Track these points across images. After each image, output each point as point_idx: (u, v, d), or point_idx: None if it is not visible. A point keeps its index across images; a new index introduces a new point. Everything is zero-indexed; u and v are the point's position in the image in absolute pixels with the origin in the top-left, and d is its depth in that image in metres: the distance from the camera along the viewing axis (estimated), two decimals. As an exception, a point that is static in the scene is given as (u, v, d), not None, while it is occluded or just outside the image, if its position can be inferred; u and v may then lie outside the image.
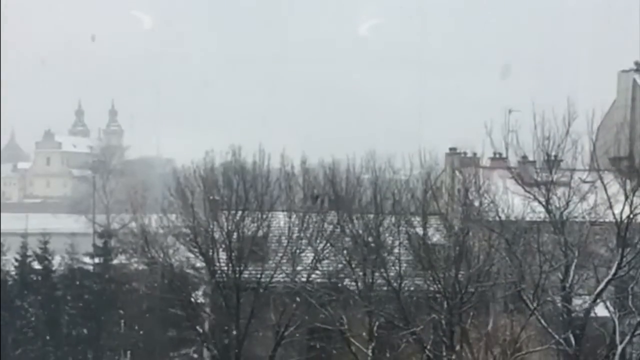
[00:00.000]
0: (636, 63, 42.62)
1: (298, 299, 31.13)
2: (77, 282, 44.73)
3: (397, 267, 28.69)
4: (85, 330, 43.12)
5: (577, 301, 28.76)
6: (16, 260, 45.45)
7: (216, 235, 32.65)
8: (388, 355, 29.14)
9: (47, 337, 42.74)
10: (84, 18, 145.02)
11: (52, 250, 45.71)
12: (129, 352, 44.06)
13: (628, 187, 28.86)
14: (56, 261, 45.88)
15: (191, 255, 33.44)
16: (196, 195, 33.23)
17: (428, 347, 26.75)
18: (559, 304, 28.20)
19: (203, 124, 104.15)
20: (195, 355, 40.90)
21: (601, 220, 28.98)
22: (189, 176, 33.73)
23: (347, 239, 31.00)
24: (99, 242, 46.46)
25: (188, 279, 35.15)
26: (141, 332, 42.77)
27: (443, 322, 26.85)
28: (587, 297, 28.64)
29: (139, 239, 34.96)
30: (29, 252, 45.52)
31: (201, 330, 34.16)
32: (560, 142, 28.61)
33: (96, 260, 45.59)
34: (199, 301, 36.00)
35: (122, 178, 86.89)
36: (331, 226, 31.75)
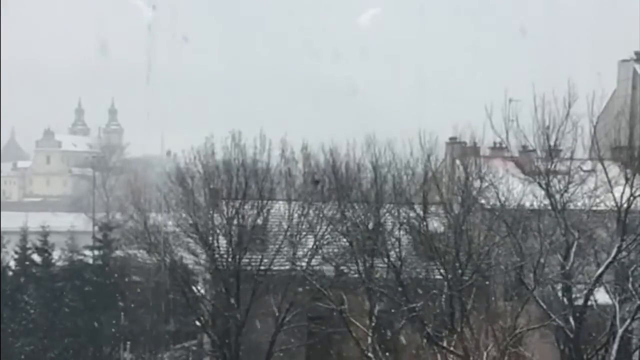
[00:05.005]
0: (636, 53, 42.57)
1: (299, 284, 31.08)
2: (77, 275, 44.70)
3: (398, 250, 28.63)
4: (85, 322, 43.01)
5: (577, 286, 28.70)
6: (16, 252, 45.47)
7: (216, 222, 32.60)
8: (389, 337, 29.06)
9: (47, 329, 42.69)
10: (84, 14, 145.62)
11: (52, 244, 45.74)
12: (128, 344, 43.99)
13: (628, 171, 28.86)
14: (56, 254, 45.91)
15: (191, 242, 33.34)
16: (196, 181, 33.20)
17: (429, 327, 26.68)
18: (559, 286, 28.14)
19: (205, 119, 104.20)
20: (194, 348, 40.87)
21: (601, 206, 28.91)
22: (189, 162, 33.70)
23: (347, 223, 30.93)
24: (99, 235, 46.44)
25: (188, 267, 35.09)
26: (141, 324, 42.71)
27: (443, 303, 26.82)
28: (588, 284, 28.56)
29: (139, 226, 34.86)
30: (29, 245, 45.58)
31: (201, 317, 34.11)
32: (560, 124, 28.53)
33: (96, 252, 45.61)
34: (199, 288, 35.99)
35: (121, 175, 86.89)
36: (332, 211, 31.72)
